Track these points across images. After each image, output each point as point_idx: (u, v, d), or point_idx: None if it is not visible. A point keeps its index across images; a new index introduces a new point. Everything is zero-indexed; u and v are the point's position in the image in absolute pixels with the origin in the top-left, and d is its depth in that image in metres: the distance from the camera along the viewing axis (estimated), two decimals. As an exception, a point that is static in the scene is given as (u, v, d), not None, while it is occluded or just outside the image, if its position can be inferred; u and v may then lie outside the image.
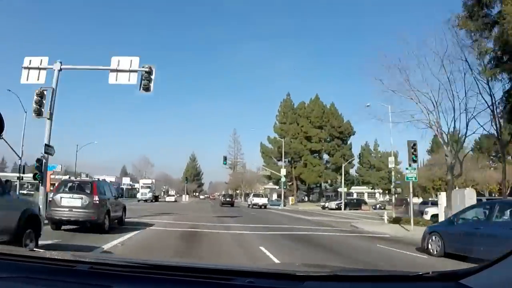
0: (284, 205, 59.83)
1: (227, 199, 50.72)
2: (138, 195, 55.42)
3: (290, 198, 70.21)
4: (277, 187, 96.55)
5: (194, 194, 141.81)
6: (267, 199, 50.79)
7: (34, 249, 2.19)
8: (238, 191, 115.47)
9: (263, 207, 44.16)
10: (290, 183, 76.53)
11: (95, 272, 1.59)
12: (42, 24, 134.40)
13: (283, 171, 50.21)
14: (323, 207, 49.52)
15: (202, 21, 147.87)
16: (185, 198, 68.45)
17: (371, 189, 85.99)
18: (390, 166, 25.41)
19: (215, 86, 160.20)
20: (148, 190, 54.47)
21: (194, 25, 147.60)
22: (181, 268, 1.68)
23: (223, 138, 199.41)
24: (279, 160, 78.18)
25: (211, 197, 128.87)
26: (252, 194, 56.82)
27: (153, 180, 62.12)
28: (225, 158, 50.08)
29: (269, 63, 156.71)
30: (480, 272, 1.35)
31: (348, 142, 79.69)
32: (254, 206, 44.42)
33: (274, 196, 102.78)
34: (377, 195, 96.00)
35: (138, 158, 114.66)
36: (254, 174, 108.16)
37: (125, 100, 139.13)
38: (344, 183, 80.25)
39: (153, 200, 53.85)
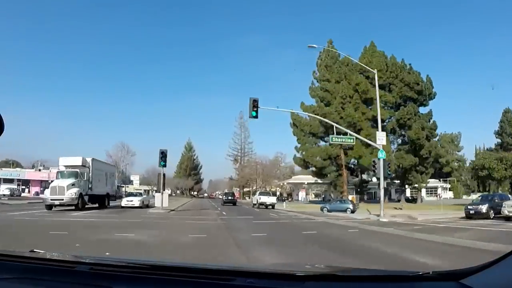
0: (353, 210, 31.72)
1: (229, 198, 48.70)
2: (46, 193, 24.27)
3: (351, 197, 42.18)
4: (307, 181, 67.78)
5: (191, 193, 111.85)
6: (275, 197, 45.43)
7: (35, 250, 2.07)
8: (246, 189, 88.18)
9: (270, 207, 38.72)
10: (337, 172, 48.27)
11: (95, 273, 1.58)
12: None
13: (382, 136, 21.26)
14: (470, 214, 20.78)
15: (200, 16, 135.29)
16: (163, 200, 27.21)
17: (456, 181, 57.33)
18: None
19: (215, 81, 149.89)
20: (72, 180, 23.76)
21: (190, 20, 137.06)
22: (181, 269, 1.65)
23: (223, 135, 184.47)
24: (321, 137, 49.68)
25: (210, 196, 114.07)
26: (258, 192, 50.41)
27: (89, 159, 26.90)
28: (254, 106, 21.34)
29: (269, 56, 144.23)
30: (480, 272, 1.35)
31: (427, 110, 51.26)
32: (260, 206, 39.17)
33: (301, 195, 74.09)
34: (439, 190, 70.52)
35: (114, 146, 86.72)
36: (267, 167, 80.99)
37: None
38: (421, 174, 52.23)
39: (80, 205, 23.75)
